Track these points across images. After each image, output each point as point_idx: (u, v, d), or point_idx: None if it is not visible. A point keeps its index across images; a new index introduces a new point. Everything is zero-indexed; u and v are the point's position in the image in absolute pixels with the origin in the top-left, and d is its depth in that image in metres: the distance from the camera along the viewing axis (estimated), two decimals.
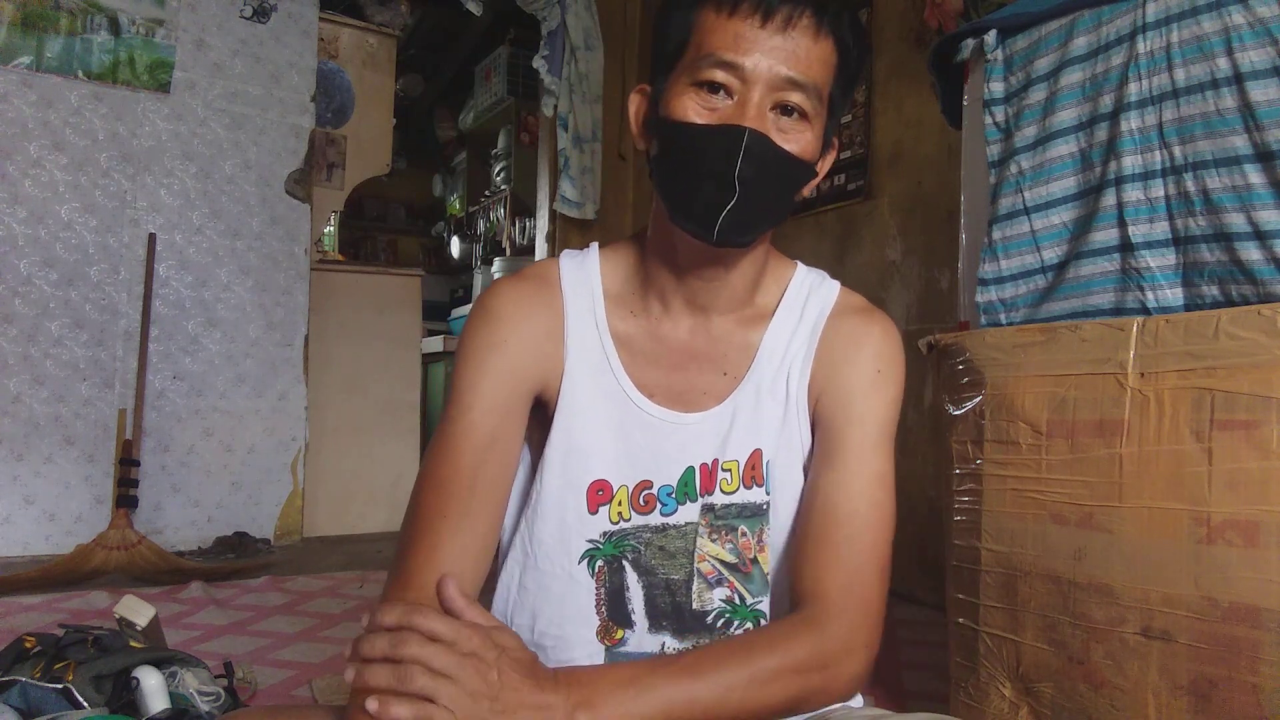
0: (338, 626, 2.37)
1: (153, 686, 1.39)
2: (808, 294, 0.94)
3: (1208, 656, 1.14)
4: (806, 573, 0.84)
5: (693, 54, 0.81)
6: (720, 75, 0.79)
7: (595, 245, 0.97)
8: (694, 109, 0.81)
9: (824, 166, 0.89)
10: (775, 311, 0.93)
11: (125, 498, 3.10)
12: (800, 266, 0.97)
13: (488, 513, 0.84)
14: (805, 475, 0.91)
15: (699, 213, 0.81)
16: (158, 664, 1.46)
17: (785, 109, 0.81)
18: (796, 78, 0.79)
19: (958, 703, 1.43)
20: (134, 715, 1.39)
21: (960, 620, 1.44)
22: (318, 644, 2.20)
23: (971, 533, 1.43)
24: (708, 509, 0.90)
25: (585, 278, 0.93)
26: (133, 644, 1.56)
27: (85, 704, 1.38)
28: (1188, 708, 1.15)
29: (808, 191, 0.88)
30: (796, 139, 0.81)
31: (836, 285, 0.96)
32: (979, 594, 1.42)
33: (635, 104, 0.91)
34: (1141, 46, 1.33)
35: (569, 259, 0.95)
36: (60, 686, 1.39)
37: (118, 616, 1.67)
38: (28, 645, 1.51)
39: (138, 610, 1.67)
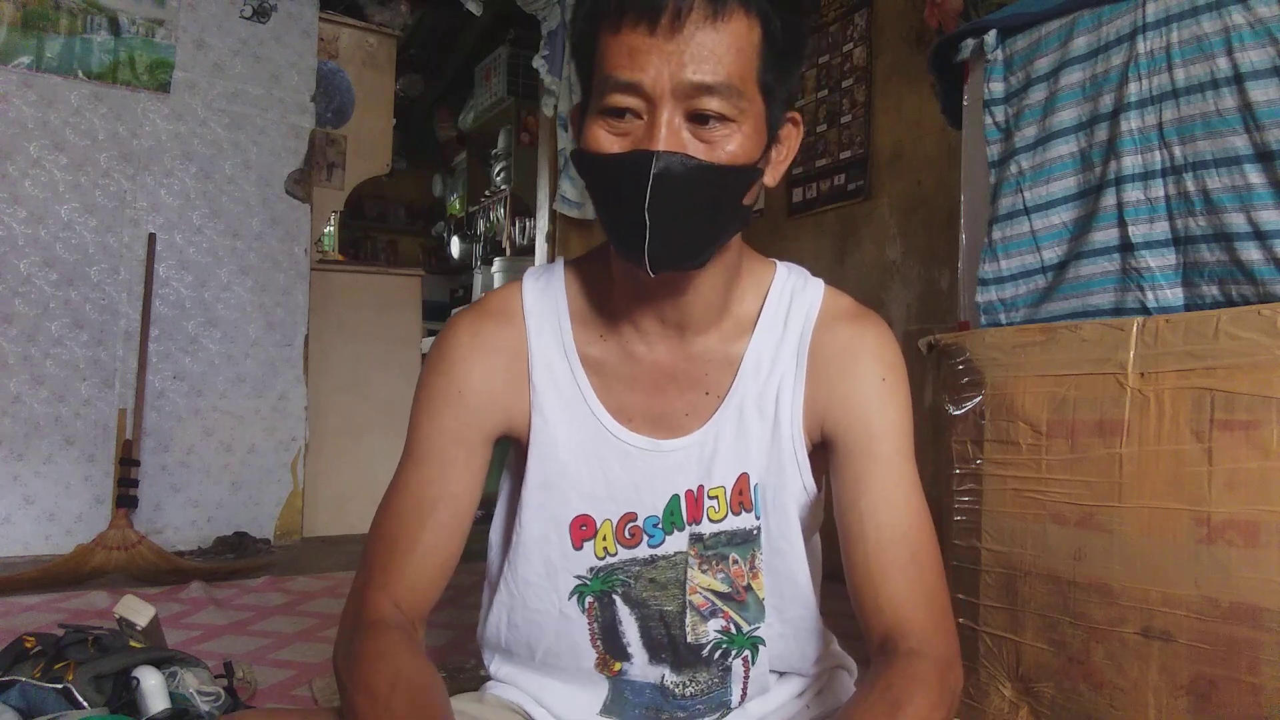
0: (337, 626, 2.37)
1: (153, 686, 1.39)
2: (790, 298, 0.88)
3: (1208, 656, 1.14)
4: (884, 604, 0.80)
5: (597, 78, 0.74)
6: (622, 99, 0.72)
7: (561, 262, 0.92)
8: (605, 138, 0.74)
9: (784, 153, 0.82)
10: (757, 321, 0.87)
11: (125, 498, 3.10)
12: (779, 267, 0.91)
13: (434, 559, 0.84)
14: (808, 494, 0.88)
15: (626, 246, 0.76)
16: (158, 664, 1.46)
17: (701, 118, 0.72)
18: (704, 80, 0.71)
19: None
20: (134, 715, 1.39)
21: (960, 620, 1.44)
22: (318, 644, 2.20)
23: (971, 533, 1.43)
24: (696, 538, 0.86)
25: (550, 303, 0.88)
26: (133, 644, 1.56)
27: (85, 704, 1.37)
28: (1188, 708, 1.15)
29: (772, 183, 0.82)
30: (723, 144, 0.73)
31: (820, 286, 0.90)
32: (979, 594, 1.42)
33: (573, 127, 0.84)
34: (1141, 46, 1.33)
35: (532, 282, 0.90)
36: (60, 686, 1.39)
37: (118, 616, 1.67)
38: (28, 645, 1.50)
39: (138, 610, 1.67)
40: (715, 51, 0.71)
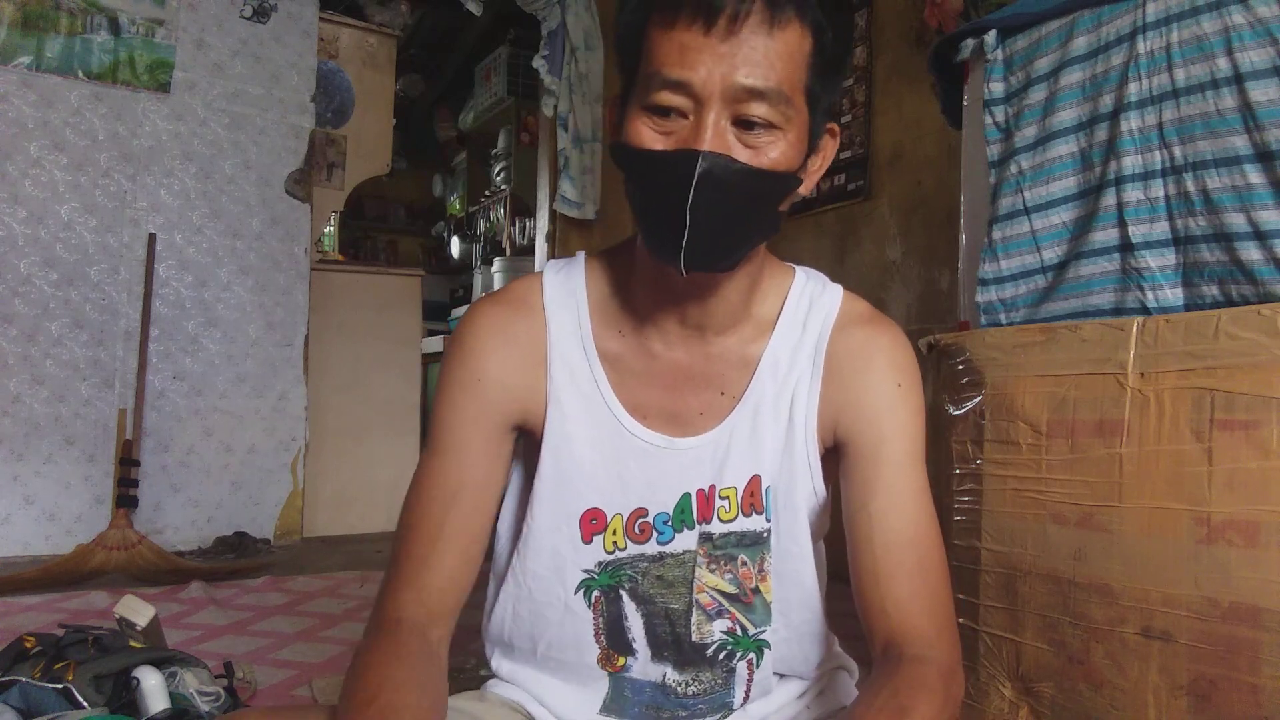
0: (338, 626, 2.37)
1: (153, 686, 1.39)
2: (810, 303, 0.89)
3: (1208, 656, 1.14)
4: (889, 608, 0.80)
5: (643, 73, 0.74)
6: (669, 97, 0.72)
7: (582, 255, 0.92)
8: (648, 134, 0.74)
9: (820, 163, 0.83)
10: (776, 324, 0.88)
11: (125, 498, 3.10)
12: (799, 272, 0.92)
13: (458, 550, 0.84)
14: (818, 497, 0.88)
15: (662, 245, 0.75)
16: (158, 664, 1.46)
17: (747, 123, 0.72)
18: (756, 85, 0.70)
19: None
20: (134, 715, 1.39)
21: (960, 620, 1.44)
22: (318, 644, 2.20)
23: (971, 533, 1.43)
24: (705, 538, 0.86)
25: (570, 295, 0.88)
26: (133, 644, 1.56)
27: (85, 704, 1.37)
28: (1188, 708, 1.15)
29: (806, 191, 0.82)
30: (768, 150, 0.73)
31: (839, 291, 0.91)
32: (979, 594, 1.42)
33: (610, 116, 0.84)
34: (1141, 46, 1.33)
35: (553, 274, 0.90)
36: (60, 686, 1.39)
37: (118, 616, 1.67)
38: (28, 645, 1.50)
39: (138, 610, 1.67)
40: (769, 57, 0.71)
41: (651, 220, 0.76)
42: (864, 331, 0.88)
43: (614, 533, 0.87)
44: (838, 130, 0.84)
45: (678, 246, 0.73)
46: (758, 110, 0.72)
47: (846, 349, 0.87)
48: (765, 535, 0.87)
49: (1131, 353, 1.24)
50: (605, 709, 0.90)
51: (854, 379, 0.86)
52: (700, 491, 0.86)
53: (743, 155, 0.73)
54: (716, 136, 0.71)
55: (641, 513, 0.86)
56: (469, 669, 1.88)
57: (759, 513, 0.87)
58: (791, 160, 0.75)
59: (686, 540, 0.87)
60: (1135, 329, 1.24)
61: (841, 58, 0.78)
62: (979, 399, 1.43)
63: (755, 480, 0.86)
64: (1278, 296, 1.18)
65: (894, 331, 0.89)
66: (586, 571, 0.87)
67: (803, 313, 0.88)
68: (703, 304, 0.83)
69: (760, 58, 0.70)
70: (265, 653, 2.11)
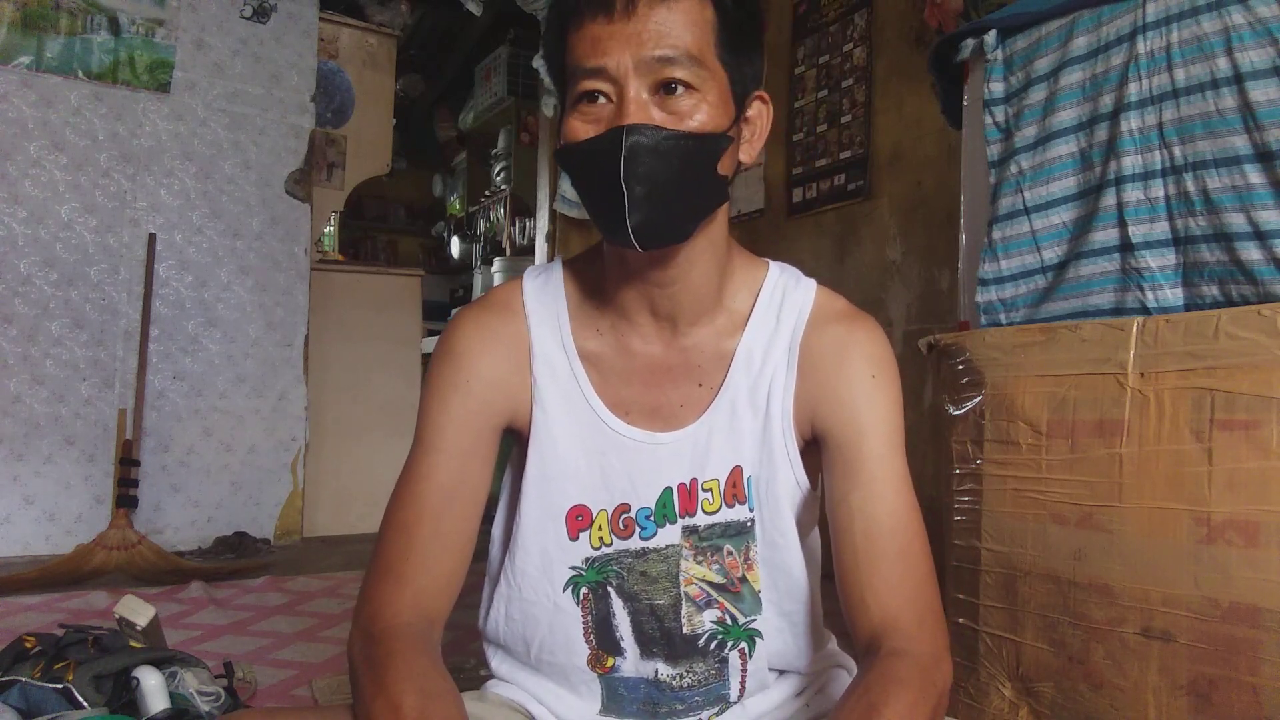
0: (338, 626, 2.37)
1: (153, 686, 1.39)
2: (783, 296, 0.90)
3: (1208, 656, 1.14)
4: (870, 599, 0.81)
5: (567, 73, 0.79)
6: (589, 84, 0.77)
7: (559, 260, 0.94)
8: (580, 127, 0.78)
9: (755, 132, 0.85)
10: (750, 317, 0.89)
11: (125, 498, 3.10)
12: (772, 266, 0.93)
13: (453, 549, 0.85)
14: (801, 489, 0.89)
15: (612, 227, 0.78)
16: (158, 664, 1.46)
17: (666, 88, 0.76)
18: (661, 54, 0.75)
19: (958, 703, 1.43)
20: (134, 715, 1.39)
21: (960, 620, 1.44)
22: (318, 644, 2.20)
23: (971, 533, 1.44)
24: (690, 530, 0.88)
25: (550, 299, 0.91)
26: (133, 644, 1.56)
27: (85, 704, 1.37)
28: (1188, 708, 1.15)
29: (749, 160, 0.84)
30: (691, 113, 0.76)
31: (813, 286, 0.92)
32: (979, 594, 1.42)
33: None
34: (1141, 46, 1.33)
35: (532, 279, 0.93)
36: (60, 686, 1.39)
37: (118, 616, 1.67)
38: (28, 645, 1.50)
39: (138, 610, 1.67)
40: (671, 28, 0.75)
41: (597, 206, 0.79)
42: (839, 327, 0.89)
43: (600, 528, 0.88)
44: (768, 98, 0.87)
45: (624, 222, 0.76)
46: (670, 73, 0.76)
47: (822, 344, 0.88)
48: (749, 525, 0.88)
49: (1131, 353, 1.24)
50: (605, 710, 0.91)
51: (830, 374, 0.87)
52: (681, 485, 0.88)
53: (666, 122, 0.76)
54: (638, 110, 0.75)
55: (625, 508, 0.88)
56: (469, 669, 1.88)
57: (741, 502, 0.88)
58: (717, 121, 0.78)
59: (669, 535, 0.88)
60: (1135, 329, 1.24)
61: (747, 25, 0.81)
62: (979, 399, 1.43)
63: (736, 471, 0.88)
64: (1278, 296, 1.18)
65: (869, 325, 0.91)
66: (574, 569, 0.88)
67: (776, 306, 0.90)
68: (668, 290, 0.85)
69: (664, 29, 0.75)
70: (265, 653, 2.11)
